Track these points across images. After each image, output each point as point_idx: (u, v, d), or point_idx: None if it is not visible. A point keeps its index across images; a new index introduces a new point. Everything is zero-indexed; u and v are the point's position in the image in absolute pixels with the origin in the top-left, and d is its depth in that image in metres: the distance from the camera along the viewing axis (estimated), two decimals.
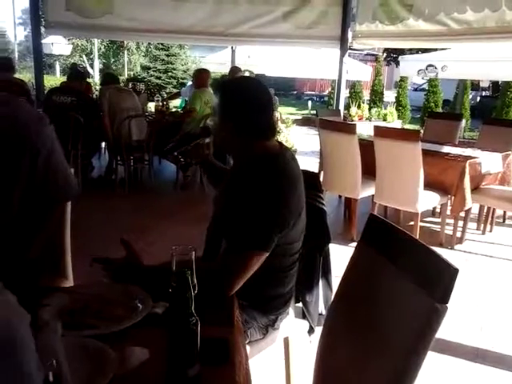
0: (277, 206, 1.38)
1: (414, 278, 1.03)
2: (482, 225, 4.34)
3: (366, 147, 3.82)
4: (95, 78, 16.93)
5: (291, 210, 1.41)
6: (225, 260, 1.39)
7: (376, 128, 3.86)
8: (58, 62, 19.67)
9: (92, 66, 18.88)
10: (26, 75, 11.81)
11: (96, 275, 1.38)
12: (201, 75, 5.68)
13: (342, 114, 6.22)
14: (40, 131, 1.23)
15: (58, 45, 14.82)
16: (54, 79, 15.54)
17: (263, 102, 1.49)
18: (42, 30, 6.54)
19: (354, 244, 1.30)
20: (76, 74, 5.43)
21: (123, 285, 1.27)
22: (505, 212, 4.61)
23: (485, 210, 4.30)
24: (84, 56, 19.41)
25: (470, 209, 3.93)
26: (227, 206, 1.53)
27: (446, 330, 2.49)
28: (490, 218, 4.32)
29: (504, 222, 4.66)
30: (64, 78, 8.25)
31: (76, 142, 4.91)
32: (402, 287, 1.07)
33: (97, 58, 18.86)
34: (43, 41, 9.31)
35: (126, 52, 18.81)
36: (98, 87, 11.57)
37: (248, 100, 1.47)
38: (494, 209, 4.30)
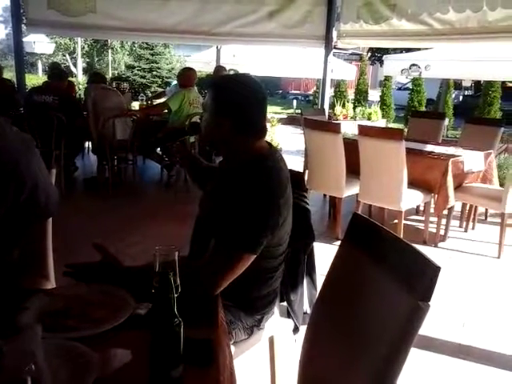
0: (267, 209, 1.36)
1: (397, 276, 1.04)
2: (465, 222, 4.40)
3: (351, 146, 3.84)
4: (78, 77, 16.76)
5: (280, 213, 1.40)
6: (212, 259, 1.38)
7: (360, 127, 3.88)
8: (40, 61, 19.41)
9: (75, 64, 18.67)
10: (7, 74, 11.61)
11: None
12: (186, 74, 5.58)
13: (326, 113, 6.24)
14: (28, 162, 1.20)
15: (40, 43, 14.61)
16: (37, 78, 15.37)
17: (260, 99, 1.46)
18: (24, 28, 6.44)
19: (339, 243, 1.30)
20: (57, 73, 5.34)
21: (105, 286, 1.25)
22: (486, 210, 4.67)
23: (467, 208, 4.36)
24: (67, 55, 19.18)
25: (452, 207, 3.98)
26: (216, 205, 1.51)
27: (429, 327, 2.51)
28: (472, 216, 4.38)
29: (486, 219, 4.72)
30: (46, 78, 8.13)
31: (59, 142, 4.85)
32: (385, 285, 1.08)
33: (80, 57, 18.65)
34: (25, 39, 9.19)
35: (110, 51, 18.62)
36: (81, 86, 11.48)
37: (246, 97, 1.43)
38: (476, 206, 4.36)
